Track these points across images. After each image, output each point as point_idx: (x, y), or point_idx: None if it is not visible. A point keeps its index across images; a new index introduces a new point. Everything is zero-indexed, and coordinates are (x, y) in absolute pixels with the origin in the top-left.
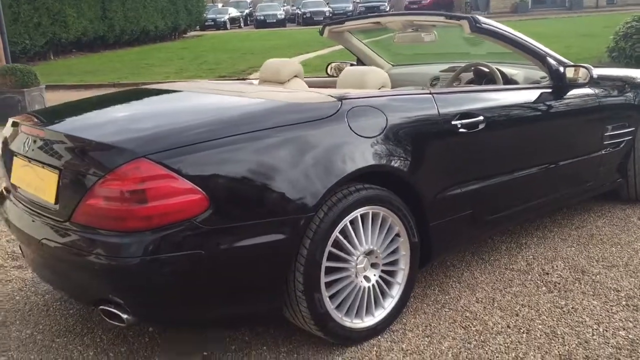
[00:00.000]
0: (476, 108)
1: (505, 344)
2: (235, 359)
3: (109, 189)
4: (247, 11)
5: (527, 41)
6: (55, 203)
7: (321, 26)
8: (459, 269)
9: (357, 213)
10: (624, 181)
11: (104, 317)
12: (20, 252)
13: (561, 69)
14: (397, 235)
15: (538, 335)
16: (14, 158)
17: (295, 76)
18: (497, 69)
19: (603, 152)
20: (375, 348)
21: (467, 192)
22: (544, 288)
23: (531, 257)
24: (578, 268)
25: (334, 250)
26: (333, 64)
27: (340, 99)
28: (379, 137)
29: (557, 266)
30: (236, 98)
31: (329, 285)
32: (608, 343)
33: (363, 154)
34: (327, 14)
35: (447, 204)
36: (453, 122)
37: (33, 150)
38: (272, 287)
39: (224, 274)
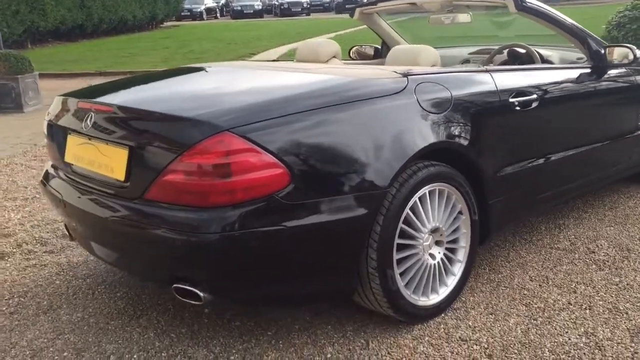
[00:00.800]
0: (529, 86)
1: (571, 320)
2: (301, 339)
3: (191, 163)
4: (223, 1)
5: (569, 21)
6: (125, 181)
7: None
8: (504, 249)
9: (425, 190)
10: None
11: (177, 296)
12: (67, 233)
13: (602, 50)
14: (460, 212)
15: (601, 311)
16: (69, 136)
17: (334, 56)
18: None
19: (638, 133)
20: (442, 325)
21: (520, 171)
22: (594, 266)
23: (573, 236)
24: (623, 246)
25: (405, 227)
26: (354, 48)
27: (406, 74)
28: (446, 114)
29: (601, 245)
30: (303, 74)
31: (398, 262)
32: None
33: (432, 130)
34: (305, 5)
35: (504, 183)
36: (510, 100)
37: (96, 127)
38: (348, 263)
39: (304, 251)
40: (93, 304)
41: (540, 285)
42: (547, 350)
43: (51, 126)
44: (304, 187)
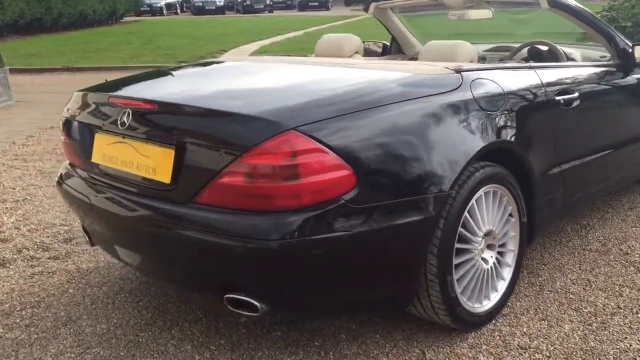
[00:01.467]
0: (571, 84)
1: (627, 324)
2: (351, 349)
3: (254, 164)
4: None
5: (597, 19)
6: (171, 183)
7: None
8: (537, 251)
9: (481, 192)
10: None
11: (229, 307)
12: (87, 237)
13: (629, 48)
14: (510, 215)
15: None
16: (96, 134)
17: (356, 52)
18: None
19: None
20: (496, 333)
21: (563, 170)
22: (632, 268)
23: (602, 237)
24: None
25: (462, 230)
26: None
27: (458, 70)
28: (500, 112)
29: (633, 246)
30: (352, 69)
31: (455, 268)
32: None
33: (490, 129)
34: (268, 2)
35: (549, 183)
36: (556, 98)
37: (134, 125)
38: (410, 270)
39: (367, 257)
40: (116, 314)
41: (584, 289)
42: (611, 357)
43: (70, 123)
44: (370, 189)
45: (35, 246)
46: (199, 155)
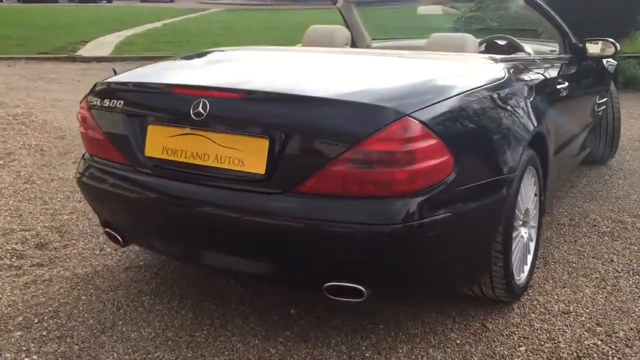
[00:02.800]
0: (561, 74)
1: (633, 285)
2: (416, 327)
3: (375, 151)
4: None
5: (557, 17)
6: (266, 173)
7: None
8: None
9: (525, 173)
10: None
11: (328, 296)
12: (117, 238)
13: (579, 44)
14: (535, 194)
15: None
16: (150, 126)
17: (346, 43)
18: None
19: (593, 120)
20: (534, 302)
21: (559, 153)
22: (606, 237)
23: (566, 213)
24: (612, 218)
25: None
26: None
27: (499, 60)
28: (533, 99)
29: (596, 219)
30: (413, 59)
31: None
32: None
33: (532, 115)
34: None
35: (555, 164)
36: (557, 87)
37: (213, 115)
38: (488, 247)
39: (462, 236)
40: (153, 317)
41: (580, 258)
42: (638, 313)
43: (103, 115)
44: (463, 171)
45: (8, 254)
46: (304, 144)
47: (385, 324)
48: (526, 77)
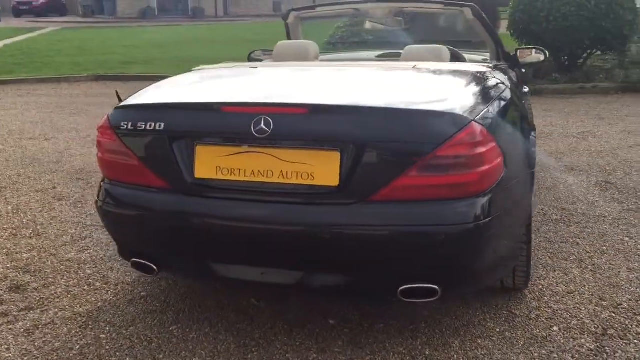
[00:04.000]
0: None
1: (613, 261)
2: (453, 323)
3: (450, 156)
4: None
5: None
6: (339, 185)
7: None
8: None
9: None
10: None
11: (401, 299)
12: (149, 266)
13: (511, 52)
14: None
15: (613, 253)
16: (198, 147)
17: (315, 57)
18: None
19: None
20: (539, 287)
21: None
22: (562, 224)
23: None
24: (557, 207)
25: None
26: (256, 52)
27: (494, 67)
28: (524, 100)
29: (544, 208)
30: (435, 70)
31: None
32: None
33: (528, 114)
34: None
35: None
36: (524, 91)
37: (278, 131)
38: (520, 240)
39: (512, 228)
40: (192, 346)
41: (551, 244)
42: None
43: (137, 139)
44: (508, 170)
45: None
46: (378, 154)
47: (425, 322)
48: (508, 82)
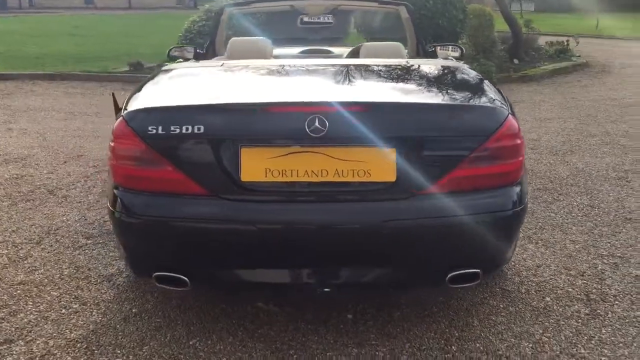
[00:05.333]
0: None
1: (555, 235)
2: (479, 312)
3: (497, 147)
4: None
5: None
6: (396, 180)
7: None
8: None
9: None
10: None
11: (449, 285)
12: (181, 281)
13: (430, 49)
14: None
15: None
16: (243, 149)
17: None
18: None
19: None
20: (510, 264)
21: None
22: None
23: None
24: None
25: None
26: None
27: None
28: None
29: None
30: (439, 65)
31: None
32: None
33: None
34: None
35: None
36: None
37: (333, 130)
38: None
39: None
40: (223, 357)
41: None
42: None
43: (165, 143)
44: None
45: None
46: (432, 148)
47: (435, 307)
48: None
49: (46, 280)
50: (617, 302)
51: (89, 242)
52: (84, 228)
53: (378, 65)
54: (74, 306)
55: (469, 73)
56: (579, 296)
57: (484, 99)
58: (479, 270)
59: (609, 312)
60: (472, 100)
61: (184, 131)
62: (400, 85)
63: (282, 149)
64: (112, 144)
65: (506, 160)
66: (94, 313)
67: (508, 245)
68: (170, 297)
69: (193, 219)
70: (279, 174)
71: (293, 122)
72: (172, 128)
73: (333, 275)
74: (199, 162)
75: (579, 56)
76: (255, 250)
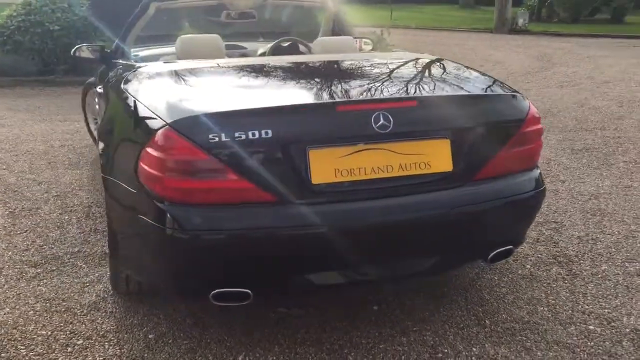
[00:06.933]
0: None
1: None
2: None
3: (529, 131)
4: None
5: None
6: (452, 169)
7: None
8: None
9: None
10: None
11: (490, 264)
12: (245, 294)
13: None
14: None
15: None
16: (311, 151)
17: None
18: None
19: None
20: None
21: None
22: None
23: None
24: None
25: None
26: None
27: None
28: None
29: None
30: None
31: None
32: None
33: None
34: None
35: None
36: None
37: (397, 126)
38: None
39: None
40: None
41: None
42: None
43: (230, 152)
44: None
45: None
46: (479, 137)
47: (446, 288)
48: None
49: (21, 319)
50: (581, 261)
51: (38, 270)
52: (21, 256)
53: (392, 61)
54: (79, 342)
55: (459, 65)
56: (550, 260)
57: (503, 88)
58: (512, 247)
59: (583, 271)
60: (499, 90)
61: (250, 137)
62: (427, 78)
63: (348, 147)
64: (157, 155)
65: (533, 143)
66: (106, 346)
67: (532, 221)
68: (178, 316)
69: (263, 228)
70: (348, 173)
71: (360, 119)
72: (236, 135)
73: (402, 267)
74: (266, 169)
75: (394, 45)
76: (331, 253)
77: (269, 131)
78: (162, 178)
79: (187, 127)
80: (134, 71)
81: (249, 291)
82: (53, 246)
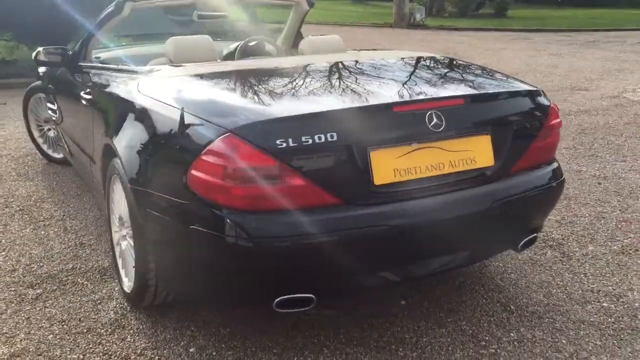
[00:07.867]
0: None
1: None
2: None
3: (551, 125)
4: None
5: None
6: (495, 163)
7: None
8: None
9: None
10: None
11: (520, 251)
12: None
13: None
14: None
15: None
16: (372, 153)
17: None
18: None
19: None
20: None
21: None
22: None
23: None
24: None
25: None
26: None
27: None
28: None
29: None
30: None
31: None
32: None
33: None
34: None
35: None
36: None
37: (448, 124)
38: None
39: None
40: None
41: None
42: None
43: (298, 157)
44: None
45: None
46: (514, 131)
47: (463, 278)
48: None
49: (43, 345)
50: (569, 243)
51: (38, 291)
52: (11, 278)
53: (411, 61)
54: None
55: (470, 63)
56: (541, 244)
57: (524, 84)
58: (536, 235)
59: (574, 253)
60: (524, 86)
61: (317, 141)
62: (457, 76)
63: (405, 147)
64: (218, 163)
65: (555, 136)
66: None
67: (552, 209)
68: (211, 328)
69: (331, 231)
70: (406, 172)
71: (416, 119)
72: (304, 139)
73: (448, 260)
74: (332, 172)
75: None
76: (393, 251)
77: (334, 134)
78: (226, 186)
79: (253, 133)
80: (149, 76)
81: (313, 296)
82: (42, 264)
